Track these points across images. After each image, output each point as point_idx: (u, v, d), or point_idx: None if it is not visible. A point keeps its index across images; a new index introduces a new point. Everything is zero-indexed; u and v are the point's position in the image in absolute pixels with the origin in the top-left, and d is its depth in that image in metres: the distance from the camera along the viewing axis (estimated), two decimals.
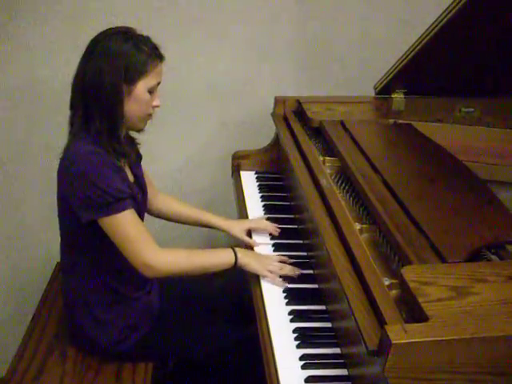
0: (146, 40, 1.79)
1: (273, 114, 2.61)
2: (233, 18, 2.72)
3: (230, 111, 2.89)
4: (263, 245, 2.12)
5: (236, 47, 2.78)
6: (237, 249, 1.94)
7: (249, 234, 2.19)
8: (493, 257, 1.49)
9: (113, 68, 1.71)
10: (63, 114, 2.59)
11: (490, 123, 2.39)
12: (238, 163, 2.66)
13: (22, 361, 1.98)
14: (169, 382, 2.33)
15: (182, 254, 1.89)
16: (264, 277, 1.90)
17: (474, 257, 1.46)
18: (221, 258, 1.92)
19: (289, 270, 1.92)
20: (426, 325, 1.18)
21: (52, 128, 2.69)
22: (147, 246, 1.78)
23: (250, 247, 2.11)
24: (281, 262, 1.95)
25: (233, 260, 1.90)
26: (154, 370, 2.01)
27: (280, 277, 1.90)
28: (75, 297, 1.96)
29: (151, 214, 2.26)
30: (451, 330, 1.16)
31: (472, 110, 2.44)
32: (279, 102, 2.60)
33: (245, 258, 1.91)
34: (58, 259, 2.50)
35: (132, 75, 1.74)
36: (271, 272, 1.90)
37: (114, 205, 1.73)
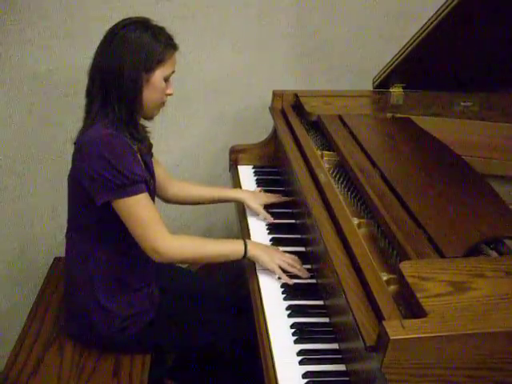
0: (162, 30, 1.84)
1: (271, 108, 2.60)
2: (230, 12, 2.70)
3: (227, 105, 2.88)
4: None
5: (234, 41, 2.76)
6: (247, 240, 1.94)
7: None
8: (492, 252, 1.49)
9: (133, 57, 1.76)
10: (67, 107, 2.64)
11: (488, 117, 2.38)
12: (235, 157, 2.65)
13: (19, 355, 1.98)
14: (167, 378, 2.33)
15: (192, 241, 1.90)
16: (271, 270, 1.89)
17: (473, 252, 1.46)
18: (230, 248, 1.92)
19: (298, 270, 1.90)
20: (425, 320, 1.18)
21: (52, 122, 2.69)
22: (159, 230, 1.80)
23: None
24: (291, 261, 1.92)
25: (242, 251, 1.90)
26: (152, 366, 2.00)
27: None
28: (80, 284, 1.97)
29: (168, 200, 2.30)
30: (449, 325, 1.16)
31: (470, 104, 2.43)
32: (277, 95, 2.59)
33: (255, 250, 1.91)
34: (56, 254, 2.52)
35: (150, 64, 1.79)
36: (280, 267, 1.89)
37: (130, 187, 1.75)
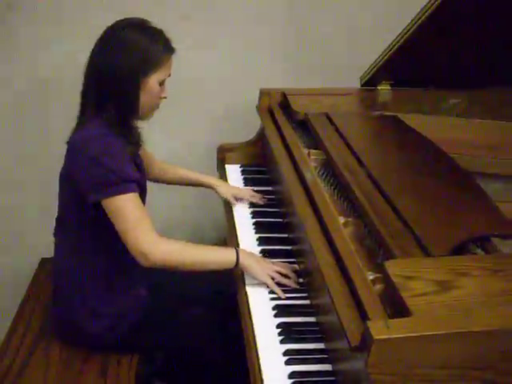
0: (160, 33, 1.83)
1: (258, 107, 2.59)
2: (218, 12, 2.70)
3: (214, 104, 2.87)
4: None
5: (221, 40, 2.76)
6: (239, 249, 1.89)
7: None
8: (478, 250, 1.48)
9: (130, 60, 1.76)
10: (56, 110, 2.63)
11: (476, 115, 2.37)
12: (223, 156, 2.64)
13: (6, 356, 1.97)
14: (154, 379, 2.32)
15: (182, 245, 1.85)
16: (263, 282, 1.83)
17: (459, 250, 1.45)
18: (221, 256, 1.87)
19: (290, 281, 1.84)
20: (409, 320, 1.17)
21: (45, 123, 2.68)
22: (146, 232, 1.76)
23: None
24: (282, 272, 1.86)
25: (234, 260, 1.84)
26: (140, 366, 2.00)
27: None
28: (68, 284, 1.96)
29: (149, 179, 2.29)
30: (435, 324, 1.15)
31: (459, 101, 2.43)
32: (264, 94, 2.57)
33: (247, 260, 1.84)
34: (43, 255, 2.51)
35: (147, 68, 1.79)
36: (273, 279, 1.83)
37: (120, 185, 1.74)
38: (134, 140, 1.87)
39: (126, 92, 1.78)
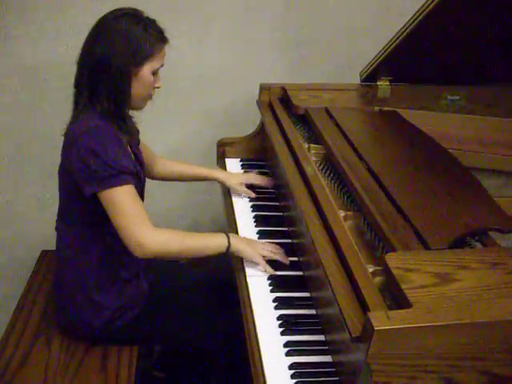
0: (153, 23, 1.83)
1: (258, 102, 2.59)
2: (218, 5, 2.70)
3: (215, 98, 2.88)
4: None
5: (221, 34, 2.76)
6: (230, 234, 1.93)
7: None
8: (476, 244, 1.50)
9: (123, 50, 1.76)
10: (52, 99, 2.63)
11: (474, 111, 2.39)
12: (223, 150, 2.64)
13: (6, 348, 1.98)
14: (154, 370, 2.33)
15: (175, 234, 1.88)
16: (256, 262, 1.89)
17: (458, 244, 1.47)
18: (214, 242, 1.91)
19: (281, 256, 1.91)
20: (409, 311, 1.19)
21: (40, 116, 2.68)
22: (142, 223, 1.77)
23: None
24: (273, 250, 1.93)
25: (226, 244, 1.88)
26: (140, 359, 2.01)
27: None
28: (69, 276, 1.97)
29: (152, 177, 2.33)
30: (434, 316, 1.17)
31: (457, 97, 2.44)
32: (264, 89, 2.58)
33: (238, 244, 1.90)
34: (44, 248, 2.52)
35: (140, 58, 1.79)
36: (264, 257, 1.89)
37: (116, 177, 1.75)
38: (128, 129, 1.89)
39: (119, 82, 1.78)
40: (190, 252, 1.90)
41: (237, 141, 2.64)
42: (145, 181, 2.06)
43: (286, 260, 1.92)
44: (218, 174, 2.39)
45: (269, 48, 2.83)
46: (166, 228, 1.87)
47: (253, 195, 2.31)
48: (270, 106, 2.54)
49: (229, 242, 1.89)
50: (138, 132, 2.07)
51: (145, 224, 1.78)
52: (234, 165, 2.59)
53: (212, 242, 1.91)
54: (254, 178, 2.38)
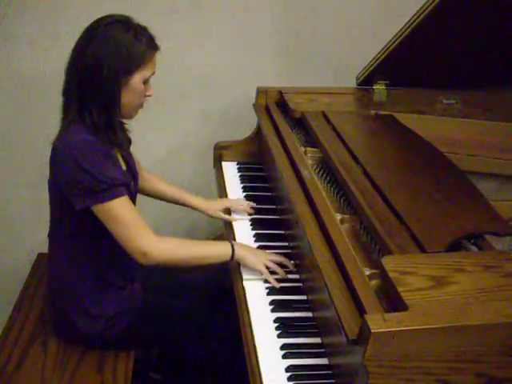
0: (144, 30, 1.77)
1: (255, 105, 2.60)
2: (216, 8, 2.71)
3: (212, 102, 2.88)
4: (241, 220, 2.20)
5: (219, 37, 2.76)
6: (234, 242, 1.93)
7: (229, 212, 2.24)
8: (472, 247, 1.51)
9: (112, 58, 1.70)
10: (46, 104, 2.63)
11: (470, 115, 2.40)
12: (219, 154, 2.64)
13: (3, 351, 1.97)
14: (151, 374, 2.33)
15: (179, 242, 1.87)
16: (259, 271, 1.87)
17: (454, 247, 1.48)
18: (218, 250, 1.90)
19: (283, 271, 1.88)
20: (406, 314, 1.19)
21: (36, 118, 2.68)
22: (143, 232, 1.77)
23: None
24: (277, 261, 1.90)
25: (230, 253, 1.87)
26: (136, 362, 2.01)
27: None
28: (62, 286, 1.96)
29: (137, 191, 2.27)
30: (430, 319, 1.18)
31: (453, 101, 2.45)
32: (261, 92, 2.59)
33: (242, 252, 1.88)
34: (40, 250, 2.51)
35: (130, 67, 1.73)
36: (268, 268, 1.87)
37: (108, 192, 1.72)
38: (118, 141, 1.83)
39: (107, 91, 1.72)
40: (195, 260, 1.89)
41: (233, 144, 2.64)
42: (137, 190, 2.04)
43: (292, 268, 1.90)
44: (197, 203, 2.29)
45: (267, 51, 2.83)
46: (168, 236, 1.87)
47: (235, 220, 2.21)
48: (267, 110, 2.55)
49: (233, 250, 1.88)
50: (129, 142, 2.02)
51: (146, 233, 1.78)
52: (230, 168, 2.59)
53: (216, 250, 1.90)
54: (233, 203, 2.29)
